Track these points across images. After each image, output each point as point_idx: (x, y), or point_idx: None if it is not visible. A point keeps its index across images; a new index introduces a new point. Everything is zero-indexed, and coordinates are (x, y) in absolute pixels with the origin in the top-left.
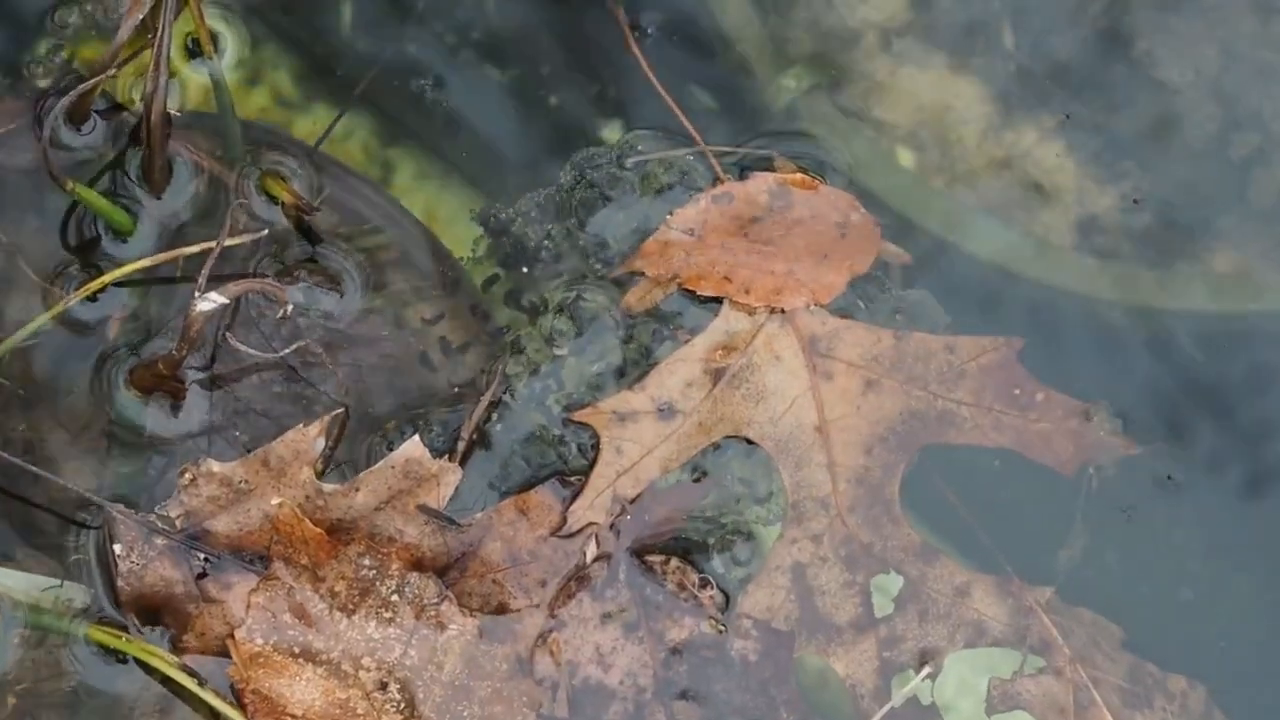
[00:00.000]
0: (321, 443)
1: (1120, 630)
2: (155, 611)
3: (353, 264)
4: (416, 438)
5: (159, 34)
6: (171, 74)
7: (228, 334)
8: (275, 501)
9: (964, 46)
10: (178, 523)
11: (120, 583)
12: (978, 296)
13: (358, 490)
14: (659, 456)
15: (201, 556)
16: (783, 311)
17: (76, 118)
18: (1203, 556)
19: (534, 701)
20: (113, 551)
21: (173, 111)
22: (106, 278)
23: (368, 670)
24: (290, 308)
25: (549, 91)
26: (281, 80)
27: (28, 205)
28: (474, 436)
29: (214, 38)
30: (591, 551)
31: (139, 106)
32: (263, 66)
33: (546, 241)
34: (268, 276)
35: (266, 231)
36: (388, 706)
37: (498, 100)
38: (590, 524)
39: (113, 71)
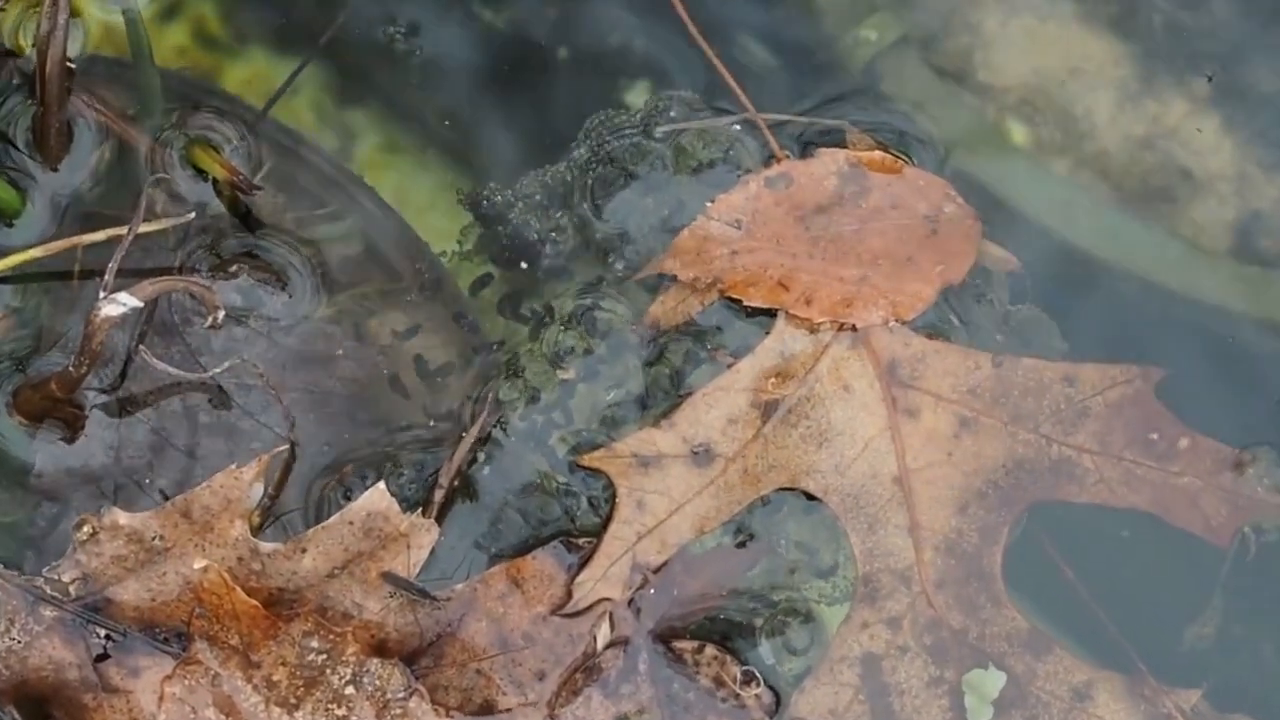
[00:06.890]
0: (259, 489)
1: None
2: (41, 702)
3: (302, 259)
4: (382, 485)
5: None
6: (74, 13)
7: (141, 347)
8: (199, 564)
9: None
10: (72, 589)
11: None
12: (1105, 314)
13: (305, 551)
14: (692, 513)
15: (102, 633)
16: (854, 329)
17: None
18: None
19: None
20: None
21: (70, 64)
22: None
23: None
24: (222, 314)
25: (557, 40)
26: (206, 13)
27: None
28: (455, 484)
29: None
30: (604, 635)
31: (31, 53)
32: None
33: (553, 232)
34: (195, 273)
35: (193, 215)
36: None
37: (490, 49)
38: (602, 600)
39: None
